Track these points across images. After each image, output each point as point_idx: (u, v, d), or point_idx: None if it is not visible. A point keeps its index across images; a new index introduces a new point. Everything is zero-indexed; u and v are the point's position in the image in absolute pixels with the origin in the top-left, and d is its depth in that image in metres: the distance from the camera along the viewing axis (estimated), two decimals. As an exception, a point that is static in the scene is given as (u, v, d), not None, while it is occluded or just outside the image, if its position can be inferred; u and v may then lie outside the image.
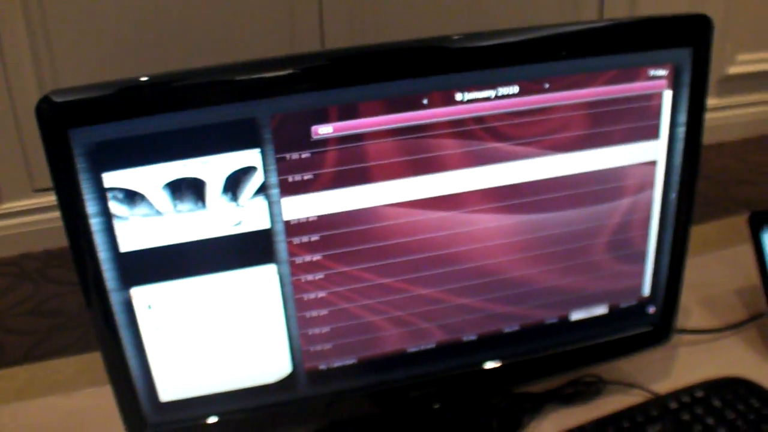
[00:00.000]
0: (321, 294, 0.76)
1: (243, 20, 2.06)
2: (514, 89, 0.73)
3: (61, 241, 2.48)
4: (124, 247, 0.70)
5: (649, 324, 0.91)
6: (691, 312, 1.10)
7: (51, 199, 2.23)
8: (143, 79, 0.66)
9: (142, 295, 0.72)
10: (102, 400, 0.96)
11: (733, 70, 2.60)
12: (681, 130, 0.81)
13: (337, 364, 0.81)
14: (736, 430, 0.85)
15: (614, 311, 0.88)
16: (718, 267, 1.22)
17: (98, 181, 0.67)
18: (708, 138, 2.63)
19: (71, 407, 0.99)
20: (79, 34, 1.99)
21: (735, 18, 2.49)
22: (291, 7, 2.07)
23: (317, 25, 2.10)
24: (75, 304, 2.11)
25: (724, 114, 2.69)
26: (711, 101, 2.67)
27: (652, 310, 0.90)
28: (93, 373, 1.05)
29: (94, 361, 1.07)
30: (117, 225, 0.69)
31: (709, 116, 2.66)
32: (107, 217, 0.68)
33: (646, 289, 0.89)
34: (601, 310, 0.88)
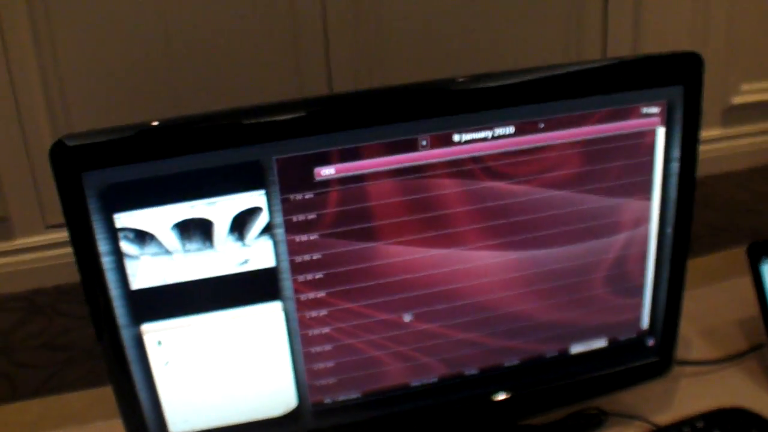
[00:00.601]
0: (325, 330, 0.78)
1: (251, 63, 2.10)
2: (510, 129, 0.75)
3: (72, 276, 2.50)
4: (135, 284, 0.72)
5: (648, 356, 0.93)
6: (691, 343, 1.11)
7: (63, 235, 2.26)
8: (153, 124, 0.68)
9: (152, 331, 0.75)
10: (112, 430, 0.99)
11: (738, 99, 2.62)
12: (675, 165, 0.83)
13: (341, 398, 0.83)
14: (736, 460, 0.86)
15: (613, 344, 0.90)
16: (719, 298, 1.23)
17: (109, 222, 0.69)
18: (714, 168, 2.66)
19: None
20: (91, 74, 2.03)
21: (738, 48, 2.52)
22: (297, 51, 2.11)
23: (324, 66, 2.14)
24: (86, 339, 2.13)
25: (729, 144, 2.70)
26: (716, 131, 2.69)
27: (651, 342, 0.92)
28: (104, 407, 1.06)
29: (104, 394, 1.09)
30: (128, 263, 0.71)
31: (714, 146, 2.70)
32: (118, 255, 0.71)
33: (645, 322, 0.90)
34: (600, 343, 0.89)
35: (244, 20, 2.05)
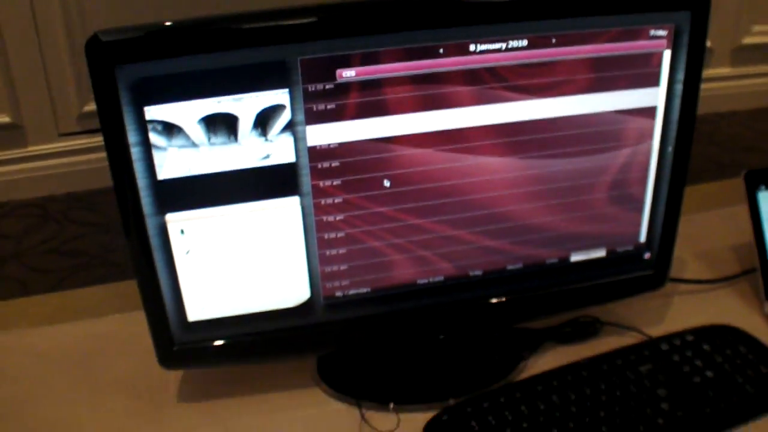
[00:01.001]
0: (340, 225, 0.83)
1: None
2: (524, 42, 0.79)
3: (85, 184, 2.56)
4: (161, 175, 0.76)
5: (644, 269, 0.98)
6: (687, 264, 1.16)
7: (76, 143, 2.31)
8: (185, 21, 0.72)
9: (175, 221, 0.79)
10: (126, 325, 1.05)
11: (748, 40, 2.63)
12: (679, 87, 0.86)
13: (352, 292, 0.88)
14: (723, 373, 0.91)
15: (612, 255, 0.95)
16: (716, 223, 1.27)
17: (140, 114, 0.73)
18: (720, 106, 2.68)
19: (98, 331, 1.06)
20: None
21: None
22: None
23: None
24: (97, 245, 2.19)
25: (736, 83, 2.72)
26: (725, 70, 2.71)
27: (647, 255, 0.96)
28: (118, 301, 1.11)
29: (120, 289, 1.14)
30: (155, 154, 0.75)
31: (721, 84, 2.71)
32: (147, 147, 0.75)
33: (643, 236, 0.95)
34: (599, 253, 0.94)
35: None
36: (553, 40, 0.79)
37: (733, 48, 2.63)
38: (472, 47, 0.77)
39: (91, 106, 2.15)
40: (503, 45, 0.78)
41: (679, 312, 1.06)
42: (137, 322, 0.88)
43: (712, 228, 1.26)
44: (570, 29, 0.79)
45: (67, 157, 2.33)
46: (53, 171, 2.35)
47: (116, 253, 2.19)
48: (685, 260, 1.17)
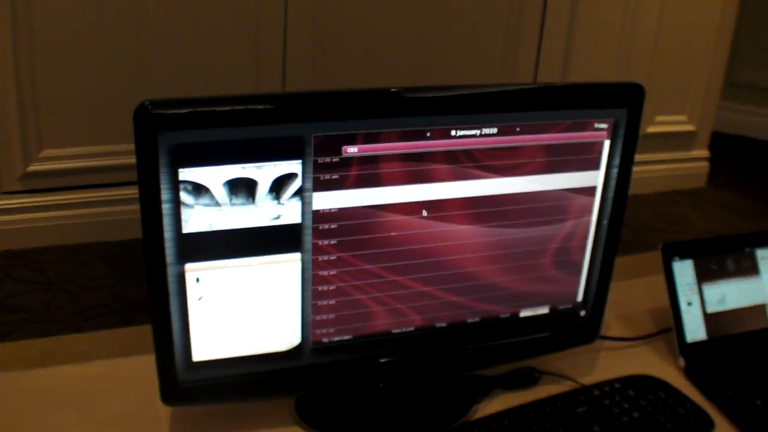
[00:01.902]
0: (332, 278, 0.96)
1: (213, 54, 2.22)
2: (494, 130, 0.95)
3: (25, 242, 2.53)
4: (186, 229, 0.88)
5: (580, 324, 1.13)
6: (611, 325, 1.32)
7: (18, 201, 2.33)
8: (221, 97, 0.85)
9: (193, 270, 0.91)
10: (114, 369, 1.13)
11: (651, 129, 2.88)
12: (614, 171, 1.04)
13: (336, 338, 1.00)
14: (647, 414, 1.07)
15: (554, 312, 1.10)
16: (635, 291, 1.45)
17: (174, 175, 0.85)
18: (625, 189, 2.88)
19: (89, 374, 1.13)
20: (63, 59, 2.10)
21: (656, 83, 2.77)
22: (257, 45, 2.25)
23: (280, 69, 2.28)
24: (38, 302, 2.20)
25: (639, 169, 2.94)
26: (629, 156, 2.91)
27: (583, 313, 1.12)
28: (103, 348, 1.19)
29: (106, 337, 1.22)
30: (183, 211, 0.87)
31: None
32: (177, 204, 0.87)
33: (580, 296, 1.11)
34: (544, 309, 1.10)
35: (210, 13, 2.17)
36: (518, 129, 0.96)
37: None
38: (453, 132, 0.93)
39: (36, 166, 2.18)
40: (478, 131, 0.94)
41: (606, 364, 1.21)
42: (125, 367, 0.99)
43: (631, 295, 1.43)
44: (532, 120, 0.96)
45: (8, 215, 2.34)
46: (-6, 228, 2.35)
47: (58, 311, 2.20)
48: (610, 321, 1.33)
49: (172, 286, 0.91)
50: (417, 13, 2.34)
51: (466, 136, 0.94)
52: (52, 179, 2.19)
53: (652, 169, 2.94)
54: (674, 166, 2.99)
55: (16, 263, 2.39)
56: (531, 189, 1.00)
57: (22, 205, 2.33)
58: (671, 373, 1.19)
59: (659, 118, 2.86)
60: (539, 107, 0.97)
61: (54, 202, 2.20)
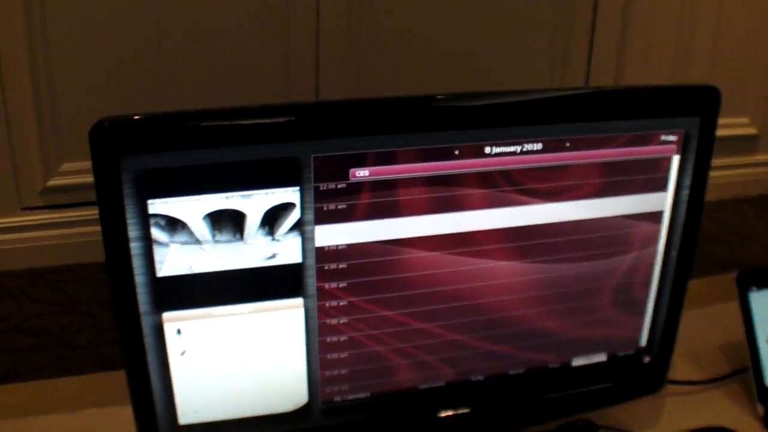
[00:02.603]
0: (343, 327, 0.81)
1: (242, 61, 2.12)
2: (538, 146, 0.78)
3: (45, 260, 2.47)
4: (161, 272, 0.73)
5: (643, 373, 0.97)
6: (677, 365, 1.15)
7: (37, 217, 2.25)
8: (195, 112, 0.69)
9: (172, 320, 0.76)
10: (102, 420, 1.00)
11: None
12: (685, 193, 0.87)
13: (351, 397, 0.85)
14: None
15: (612, 359, 0.94)
16: (702, 322, 1.28)
17: (143, 207, 0.70)
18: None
19: (73, 425, 1.01)
20: (81, 67, 2.02)
21: (715, 84, 2.60)
22: (287, 52, 2.13)
23: (313, 73, 2.16)
24: (56, 325, 2.11)
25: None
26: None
27: (647, 359, 0.96)
28: (94, 394, 1.07)
29: (95, 381, 1.10)
30: (156, 250, 0.72)
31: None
32: (147, 242, 0.72)
33: (644, 340, 0.94)
34: (600, 357, 0.93)
35: (236, 18, 2.06)
36: (567, 144, 0.79)
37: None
38: (487, 149, 0.77)
39: (56, 181, 2.11)
40: (518, 148, 0.77)
41: (672, 413, 1.05)
42: (116, 416, 0.87)
43: (698, 327, 1.26)
44: (584, 133, 0.79)
45: (29, 232, 2.27)
46: (14, 245, 2.28)
47: (78, 334, 2.12)
48: (675, 360, 1.15)
49: (148, 340, 0.76)
50: (459, 13, 2.21)
51: (503, 154, 0.77)
52: (73, 194, 2.08)
53: (713, 176, 2.75)
54: (736, 172, 2.82)
55: (37, 283, 2.30)
56: (584, 216, 0.84)
57: (42, 221, 2.26)
58: (748, 423, 1.04)
59: (720, 121, 2.67)
60: (593, 117, 0.80)
61: (76, 218, 2.10)
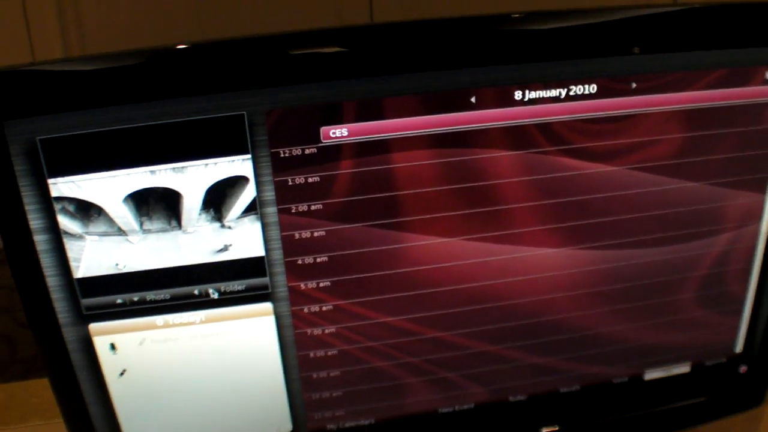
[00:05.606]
0: (329, 338, 0.62)
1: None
2: (592, 88, 0.57)
3: None
4: (79, 272, 0.55)
5: (738, 385, 0.77)
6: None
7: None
8: (100, 56, 0.50)
9: (103, 333, 0.58)
10: None
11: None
12: (800, 150, 0.64)
13: (350, 424, 0.66)
14: None
15: (698, 370, 0.74)
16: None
17: (43, 189, 0.53)
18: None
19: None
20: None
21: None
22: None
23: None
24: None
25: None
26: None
27: (743, 369, 0.76)
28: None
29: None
30: (69, 245, 0.54)
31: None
32: (56, 234, 0.54)
33: (739, 345, 0.74)
34: (682, 368, 0.74)
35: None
36: (633, 85, 0.57)
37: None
38: (517, 94, 0.55)
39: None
40: (562, 92, 0.56)
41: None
42: None
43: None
44: (656, 70, 0.57)
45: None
46: None
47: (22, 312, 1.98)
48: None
49: (75, 357, 0.59)
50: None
51: (540, 101, 0.56)
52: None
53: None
54: None
55: None
56: (659, 186, 0.62)
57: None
58: None
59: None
60: (669, 47, 0.58)
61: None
